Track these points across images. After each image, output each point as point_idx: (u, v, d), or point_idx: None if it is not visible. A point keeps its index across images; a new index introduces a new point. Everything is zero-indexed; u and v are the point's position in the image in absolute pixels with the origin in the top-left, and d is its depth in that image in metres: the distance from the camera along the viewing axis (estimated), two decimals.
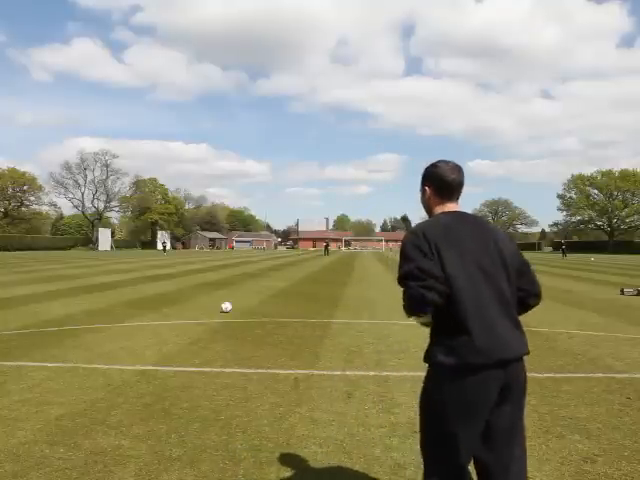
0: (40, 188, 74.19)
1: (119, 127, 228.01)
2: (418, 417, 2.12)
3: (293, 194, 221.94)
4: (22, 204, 74.46)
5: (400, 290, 2.00)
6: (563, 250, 49.80)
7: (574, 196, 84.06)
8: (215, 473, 3.02)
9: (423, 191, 2.23)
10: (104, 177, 78.53)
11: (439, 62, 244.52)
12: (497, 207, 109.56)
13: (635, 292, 13.13)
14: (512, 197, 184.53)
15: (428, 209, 2.22)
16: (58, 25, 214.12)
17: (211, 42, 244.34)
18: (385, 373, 5.21)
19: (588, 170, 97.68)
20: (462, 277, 1.93)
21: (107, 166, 78.19)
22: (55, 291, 13.12)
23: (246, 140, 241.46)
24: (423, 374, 2.09)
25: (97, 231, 72.90)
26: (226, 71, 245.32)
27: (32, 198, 74.95)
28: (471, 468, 2.16)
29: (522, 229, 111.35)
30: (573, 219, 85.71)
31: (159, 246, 71.28)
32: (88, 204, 78.85)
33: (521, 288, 2.09)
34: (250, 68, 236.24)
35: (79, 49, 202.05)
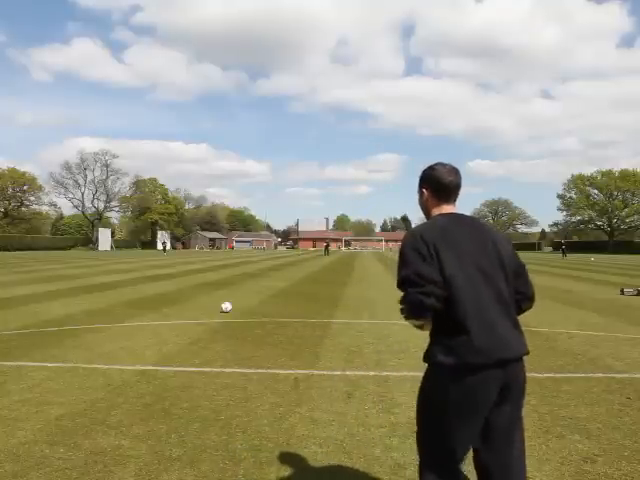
0: (40, 188, 74.24)
1: (119, 127, 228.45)
2: (415, 414, 2.13)
3: (293, 194, 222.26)
4: (22, 204, 74.46)
5: (399, 291, 2.01)
6: (563, 250, 49.79)
7: (574, 196, 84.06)
8: (215, 473, 3.02)
9: (421, 193, 2.25)
10: (104, 177, 78.66)
11: (439, 62, 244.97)
12: (497, 207, 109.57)
13: (635, 292, 13.13)
14: (512, 197, 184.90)
15: (426, 211, 2.24)
16: (58, 25, 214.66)
17: (211, 42, 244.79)
18: (385, 373, 5.21)
19: (588, 170, 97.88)
20: (461, 278, 1.94)
21: (107, 166, 78.30)
22: (55, 291, 13.13)
23: (246, 140, 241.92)
24: (423, 374, 2.10)
25: (97, 231, 72.90)
26: (226, 71, 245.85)
27: (32, 198, 75.04)
28: (471, 468, 2.17)
29: (522, 229, 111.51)
30: (573, 219, 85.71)
31: (159, 246, 71.27)
32: (88, 204, 78.99)
33: (517, 290, 2.10)
34: (250, 68, 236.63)
35: (79, 49, 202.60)
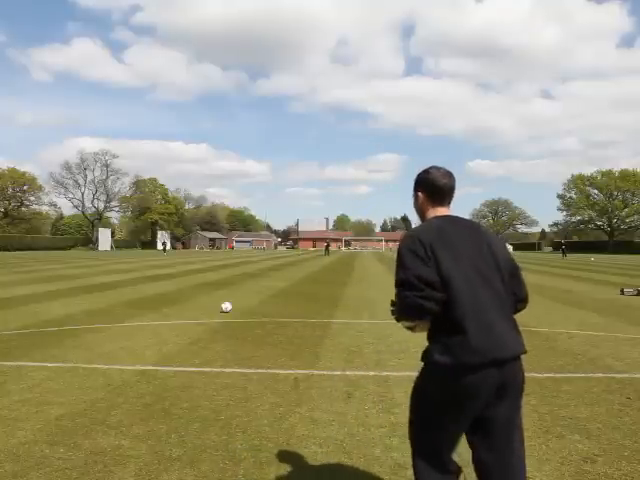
0: (40, 188, 74.20)
1: (119, 127, 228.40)
2: (408, 410, 2.19)
3: (293, 194, 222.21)
4: (22, 204, 74.43)
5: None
6: (563, 250, 49.78)
7: (574, 196, 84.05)
8: (215, 473, 3.02)
9: (416, 197, 2.28)
10: (104, 177, 78.60)
11: (439, 62, 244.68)
12: (497, 207, 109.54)
13: (635, 292, 13.13)
14: (512, 197, 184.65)
15: (421, 214, 2.28)
16: (58, 25, 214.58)
17: (211, 42, 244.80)
18: (385, 373, 5.21)
19: (588, 170, 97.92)
20: (458, 278, 1.97)
21: (107, 166, 78.24)
22: (55, 291, 13.13)
23: (246, 140, 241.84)
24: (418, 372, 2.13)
25: (97, 231, 72.87)
26: (226, 71, 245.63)
27: (32, 198, 74.98)
28: (470, 470, 2.17)
29: (522, 229, 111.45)
30: (573, 219, 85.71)
31: (159, 246, 71.24)
32: (88, 204, 78.93)
33: (512, 291, 2.13)
34: (250, 68, 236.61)
35: (79, 49, 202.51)
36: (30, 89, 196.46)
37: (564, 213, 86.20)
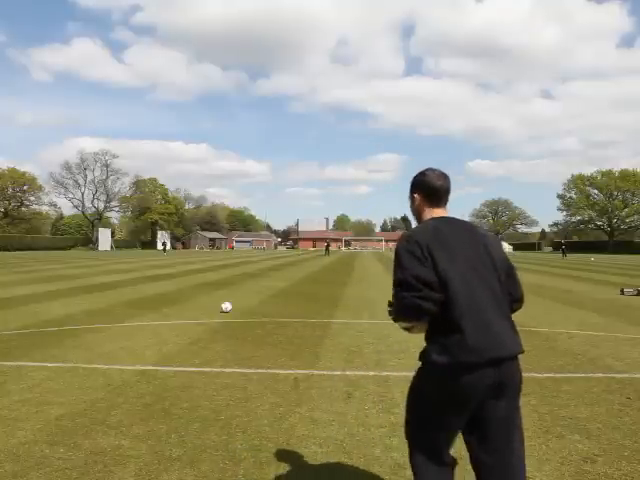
0: (40, 188, 74.19)
1: (119, 127, 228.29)
2: (405, 409, 2.22)
3: (293, 194, 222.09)
4: (22, 204, 74.43)
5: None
6: (563, 250, 49.78)
7: (574, 196, 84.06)
8: (215, 473, 3.02)
9: (412, 199, 2.31)
10: (104, 177, 78.59)
11: (439, 62, 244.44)
12: (497, 207, 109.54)
13: (635, 292, 13.13)
14: (512, 197, 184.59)
15: (418, 216, 2.30)
16: (58, 25, 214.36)
17: (211, 42, 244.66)
18: (385, 373, 5.21)
19: (588, 170, 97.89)
20: (455, 278, 1.98)
21: (107, 166, 78.23)
22: (55, 291, 13.13)
23: (246, 140, 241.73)
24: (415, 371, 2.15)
25: (97, 231, 72.85)
26: (226, 71, 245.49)
27: (32, 198, 74.97)
28: (469, 468, 2.16)
29: (522, 229, 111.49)
30: (573, 219, 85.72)
31: (159, 246, 71.22)
32: (88, 204, 78.92)
33: (508, 292, 2.14)
34: (250, 68, 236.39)
35: (79, 49, 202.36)
36: (30, 89, 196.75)
37: (564, 213, 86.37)
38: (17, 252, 53.45)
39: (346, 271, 23.34)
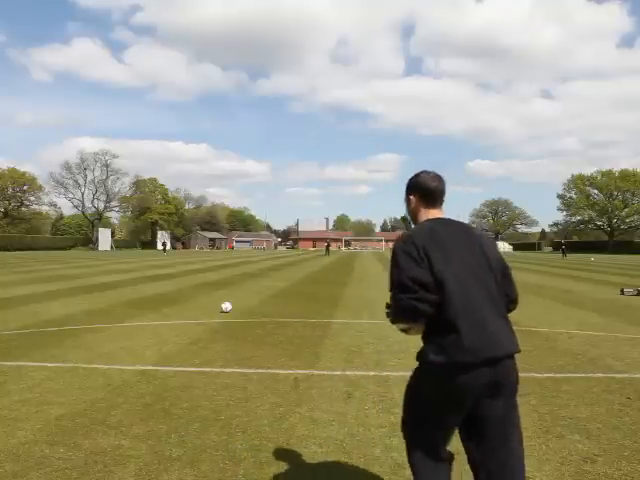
0: (40, 188, 74.20)
1: (119, 127, 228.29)
2: (402, 410, 2.24)
3: (293, 194, 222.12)
4: (22, 204, 74.43)
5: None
6: (563, 250, 49.78)
7: (574, 196, 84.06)
8: (215, 473, 3.02)
9: (408, 201, 2.34)
10: (104, 177, 78.59)
11: (439, 62, 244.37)
12: (497, 207, 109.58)
13: (635, 292, 13.13)
14: (512, 197, 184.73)
15: (414, 217, 2.33)
16: (58, 25, 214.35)
17: (211, 42, 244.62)
18: (385, 373, 5.21)
19: (588, 170, 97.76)
20: (451, 279, 2.00)
21: (107, 166, 78.22)
22: (55, 291, 13.13)
23: (246, 140, 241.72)
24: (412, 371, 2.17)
25: (97, 231, 72.85)
26: (226, 71, 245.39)
27: (32, 198, 74.99)
28: (467, 468, 2.16)
29: (522, 229, 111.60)
30: (573, 219, 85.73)
31: (159, 246, 71.21)
32: (88, 204, 78.92)
33: (504, 292, 2.16)
34: (250, 68, 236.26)
35: (79, 49, 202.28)
36: (30, 89, 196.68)
37: (564, 213, 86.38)
38: (17, 252, 53.45)
39: (346, 271, 23.34)
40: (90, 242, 74.24)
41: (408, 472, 3.01)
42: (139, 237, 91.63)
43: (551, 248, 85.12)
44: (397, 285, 2.03)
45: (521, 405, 4.19)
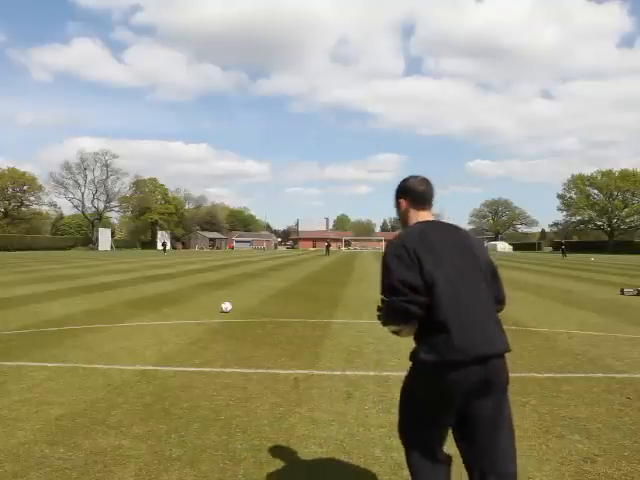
0: (40, 188, 74.21)
1: (119, 127, 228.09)
2: (397, 410, 2.28)
3: (293, 194, 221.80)
4: (22, 204, 74.44)
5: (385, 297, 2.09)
6: (563, 250, 49.78)
7: (574, 196, 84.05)
8: (215, 473, 3.02)
9: (398, 204, 2.39)
10: (104, 177, 78.57)
11: (439, 62, 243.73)
12: (497, 207, 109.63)
13: (635, 292, 13.14)
14: (512, 197, 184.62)
15: (404, 220, 2.37)
16: (58, 25, 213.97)
17: (211, 42, 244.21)
18: (385, 373, 5.21)
19: (588, 170, 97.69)
20: (442, 279, 2.04)
21: (107, 166, 78.22)
22: (55, 291, 13.13)
23: (246, 140, 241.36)
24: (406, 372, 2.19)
25: (97, 231, 72.84)
26: (226, 71, 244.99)
27: (32, 198, 75.00)
28: (463, 469, 2.17)
29: (522, 229, 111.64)
30: (573, 219, 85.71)
31: (159, 246, 71.22)
32: (88, 204, 78.91)
33: (494, 293, 2.20)
34: (250, 68, 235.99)
35: (79, 49, 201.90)
36: (30, 89, 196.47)
37: (564, 213, 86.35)
38: (17, 252, 53.46)
39: (346, 271, 23.34)
40: (90, 242, 74.23)
41: (408, 472, 3.02)
42: (139, 237, 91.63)
43: (551, 248, 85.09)
44: (388, 288, 2.07)
45: (521, 405, 4.21)
